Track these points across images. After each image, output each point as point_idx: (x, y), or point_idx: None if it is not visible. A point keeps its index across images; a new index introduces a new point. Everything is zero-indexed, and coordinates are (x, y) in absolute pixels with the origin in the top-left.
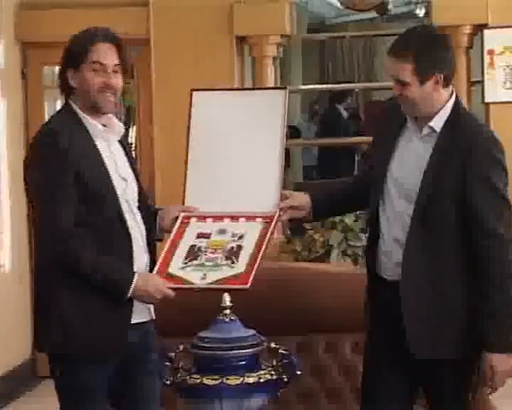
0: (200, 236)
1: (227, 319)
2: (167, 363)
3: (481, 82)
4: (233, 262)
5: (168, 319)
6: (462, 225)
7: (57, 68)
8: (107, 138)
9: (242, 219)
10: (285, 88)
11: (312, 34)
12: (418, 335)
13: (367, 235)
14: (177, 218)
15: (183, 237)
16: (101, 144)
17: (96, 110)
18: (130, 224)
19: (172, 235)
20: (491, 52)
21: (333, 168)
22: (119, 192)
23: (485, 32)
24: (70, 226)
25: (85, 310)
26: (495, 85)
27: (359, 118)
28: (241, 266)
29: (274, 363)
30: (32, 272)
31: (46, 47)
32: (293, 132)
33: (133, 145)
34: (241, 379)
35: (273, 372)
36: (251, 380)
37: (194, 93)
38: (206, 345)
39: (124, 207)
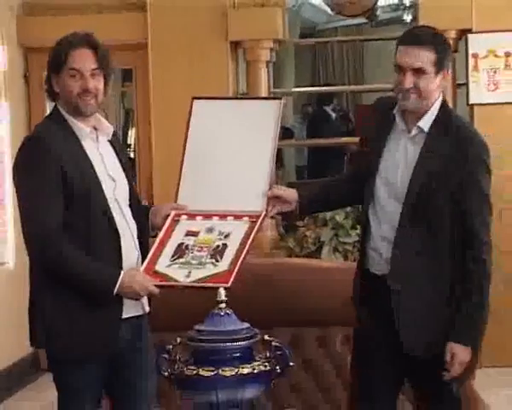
0: (189, 233)
1: (222, 313)
2: (165, 355)
3: (466, 84)
4: (217, 261)
5: (166, 313)
6: (450, 225)
7: None
8: (95, 140)
9: (230, 218)
10: (280, 98)
11: (304, 39)
12: (410, 333)
13: (359, 233)
14: (168, 215)
15: (173, 235)
16: (89, 146)
17: (78, 113)
18: (120, 221)
19: (162, 232)
20: (475, 56)
21: (323, 168)
22: (107, 191)
23: (470, 36)
24: (54, 227)
25: (68, 312)
26: (479, 88)
27: (349, 119)
28: (224, 264)
29: (267, 355)
30: None
31: (48, 52)
32: (286, 133)
33: (132, 146)
34: (236, 370)
35: (266, 364)
36: (245, 371)
37: (195, 101)
38: (202, 338)
39: (112, 205)
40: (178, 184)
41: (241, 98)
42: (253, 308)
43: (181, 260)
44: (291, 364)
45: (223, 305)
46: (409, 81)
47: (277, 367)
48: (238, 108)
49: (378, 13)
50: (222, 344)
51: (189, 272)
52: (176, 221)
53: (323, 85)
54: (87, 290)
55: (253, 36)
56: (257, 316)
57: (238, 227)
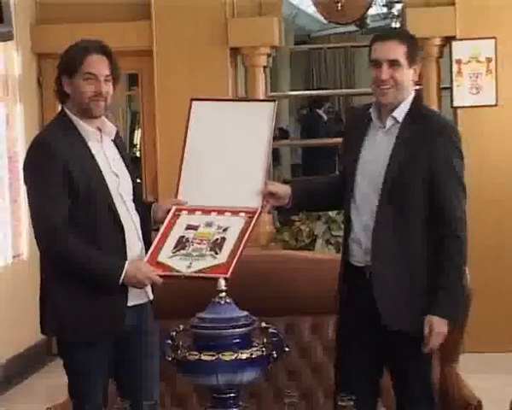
0: (189, 227)
1: (222, 302)
2: (169, 341)
3: (450, 88)
4: (216, 253)
5: (169, 301)
6: (426, 208)
7: None
8: (99, 139)
9: (228, 213)
10: (274, 100)
11: (299, 45)
12: (390, 309)
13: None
14: (169, 211)
15: (174, 229)
16: (94, 145)
17: (88, 114)
18: (123, 215)
19: (164, 226)
20: (458, 61)
21: (316, 166)
22: (111, 187)
23: (454, 43)
24: (60, 222)
25: (76, 300)
26: (462, 91)
27: (341, 120)
28: (223, 256)
29: (264, 341)
30: None
31: (59, 58)
32: (281, 134)
33: (138, 146)
34: (235, 355)
35: (264, 349)
36: (244, 356)
37: (194, 102)
38: (203, 325)
39: (116, 200)
40: (178, 180)
41: (238, 100)
42: (251, 297)
43: (182, 251)
44: (286, 349)
45: (223, 294)
46: (385, 73)
47: (274, 352)
48: (235, 109)
49: (368, 21)
50: (222, 331)
51: (190, 263)
52: (177, 216)
53: (317, 89)
54: (94, 281)
55: (251, 43)
56: (255, 305)
57: (236, 222)
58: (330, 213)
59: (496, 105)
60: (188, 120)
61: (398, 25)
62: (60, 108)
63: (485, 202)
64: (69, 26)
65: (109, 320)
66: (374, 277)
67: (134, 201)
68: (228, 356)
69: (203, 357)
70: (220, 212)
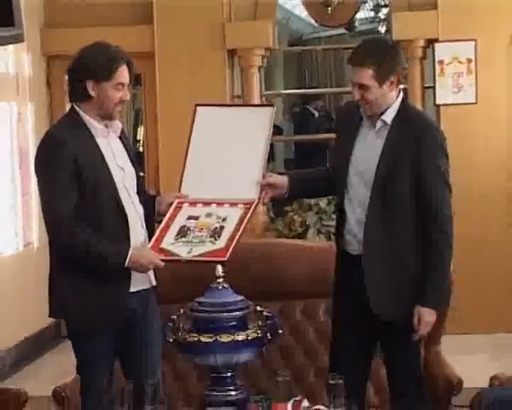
0: (191, 218)
1: (220, 287)
2: (170, 324)
3: (433, 87)
4: (215, 239)
5: (171, 287)
6: (414, 204)
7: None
8: (106, 136)
9: (227, 205)
10: (272, 105)
11: (292, 47)
12: (381, 300)
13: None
14: (171, 203)
15: (176, 219)
16: (101, 141)
17: (108, 117)
18: (128, 206)
19: (167, 217)
20: (441, 62)
21: (307, 160)
22: (117, 179)
23: (436, 45)
24: (66, 215)
25: (81, 288)
26: (445, 90)
27: (331, 118)
28: (221, 242)
29: (259, 324)
30: None
31: (67, 59)
32: (275, 130)
33: (141, 142)
34: (232, 337)
35: (259, 331)
36: (240, 338)
37: (198, 107)
38: (202, 309)
39: (121, 192)
40: (182, 175)
41: (239, 105)
42: (247, 283)
43: (183, 239)
44: (280, 331)
45: (220, 280)
46: (356, 94)
47: (268, 334)
48: (236, 113)
49: (356, 24)
50: (220, 314)
51: (191, 249)
52: (179, 208)
53: (308, 88)
54: (100, 267)
55: (247, 45)
56: (250, 290)
57: (234, 212)
58: (321, 204)
59: (476, 103)
60: (192, 122)
61: (384, 28)
62: (68, 107)
63: (466, 195)
64: (77, 30)
65: (112, 308)
66: (365, 268)
67: (138, 193)
68: (225, 338)
69: (202, 339)
70: (220, 204)
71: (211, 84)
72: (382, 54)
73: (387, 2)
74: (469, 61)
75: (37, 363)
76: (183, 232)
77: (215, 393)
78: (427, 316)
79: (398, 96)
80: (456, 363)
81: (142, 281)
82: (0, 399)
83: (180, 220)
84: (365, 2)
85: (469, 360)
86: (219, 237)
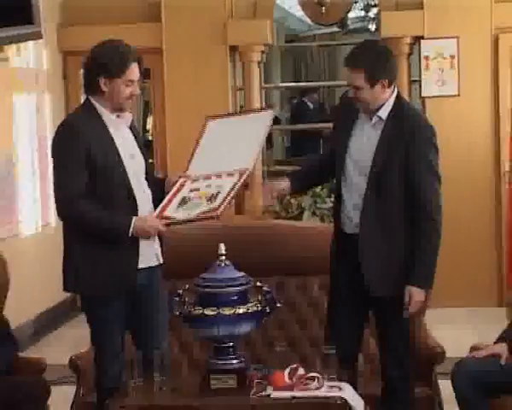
0: (192, 190)
1: (222, 264)
2: (176, 298)
3: (419, 81)
4: (211, 202)
5: (177, 264)
6: (405, 193)
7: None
8: (118, 126)
9: (224, 175)
10: (272, 107)
11: (288, 44)
12: (374, 277)
13: (332, 200)
14: (176, 181)
15: (179, 194)
16: (113, 130)
17: (119, 110)
18: (137, 189)
19: (171, 193)
20: (426, 58)
21: (302, 148)
22: (127, 165)
23: (422, 42)
24: (76, 193)
25: (92, 260)
26: (429, 83)
27: (324, 109)
28: (216, 204)
29: (259, 298)
30: None
31: (81, 55)
32: (274, 120)
33: (150, 131)
34: (234, 310)
35: (258, 305)
36: (241, 311)
37: (209, 122)
38: (206, 284)
39: (131, 176)
40: (190, 160)
41: (245, 112)
42: (247, 260)
43: (184, 206)
44: (278, 305)
45: (223, 258)
46: (352, 93)
47: (267, 308)
48: (241, 119)
49: (348, 23)
50: (222, 289)
51: (189, 213)
52: (182, 185)
53: (304, 81)
54: (106, 236)
55: (247, 41)
56: (250, 266)
57: (229, 180)
58: (316, 189)
59: (458, 95)
60: (201, 134)
61: (374, 26)
62: (82, 98)
63: (449, 179)
64: (90, 28)
65: (121, 278)
66: (360, 249)
67: (146, 178)
68: (227, 311)
69: (206, 312)
70: (218, 176)
71: (214, 78)
72: (374, 58)
73: (377, 2)
74: (452, 57)
75: (55, 334)
76: (184, 202)
77: (217, 362)
78: (417, 295)
79: (392, 94)
80: (438, 334)
81: (150, 258)
82: (22, 366)
83: (183, 193)
84: (356, 2)
85: (451, 332)
86: (215, 200)
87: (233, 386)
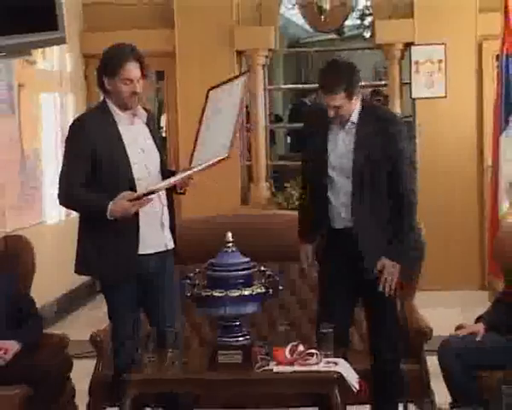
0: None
1: (230, 250)
2: (187, 281)
3: (410, 83)
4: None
5: (188, 250)
6: (387, 184)
7: None
8: (130, 123)
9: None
10: (246, 72)
11: (290, 49)
12: (373, 260)
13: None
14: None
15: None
16: (123, 128)
17: (125, 108)
18: (144, 180)
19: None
20: (416, 62)
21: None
22: (134, 159)
23: (413, 47)
24: (73, 182)
25: (98, 247)
26: (419, 86)
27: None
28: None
29: (263, 281)
30: None
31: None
32: (277, 119)
33: (164, 128)
34: (240, 292)
35: (262, 288)
36: (247, 293)
37: (210, 92)
38: (215, 268)
39: (137, 169)
40: (193, 150)
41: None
42: (252, 247)
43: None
44: (280, 287)
45: (230, 244)
46: (331, 113)
47: (270, 290)
48: (221, 90)
49: (345, 30)
50: (229, 273)
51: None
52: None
53: (304, 83)
54: (91, 215)
55: (253, 46)
56: (255, 252)
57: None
58: None
59: (445, 97)
60: (204, 108)
61: (369, 33)
62: (102, 97)
63: (437, 172)
64: (109, 33)
65: (123, 264)
66: (360, 240)
67: (161, 169)
68: (234, 293)
69: (214, 294)
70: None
71: (222, 79)
72: (348, 78)
73: (371, 11)
74: (440, 61)
75: (76, 313)
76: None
77: (225, 339)
78: (388, 267)
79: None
80: (427, 315)
81: (157, 244)
82: (46, 342)
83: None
84: (353, 11)
85: (438, 313)
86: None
87: (239, 361)
